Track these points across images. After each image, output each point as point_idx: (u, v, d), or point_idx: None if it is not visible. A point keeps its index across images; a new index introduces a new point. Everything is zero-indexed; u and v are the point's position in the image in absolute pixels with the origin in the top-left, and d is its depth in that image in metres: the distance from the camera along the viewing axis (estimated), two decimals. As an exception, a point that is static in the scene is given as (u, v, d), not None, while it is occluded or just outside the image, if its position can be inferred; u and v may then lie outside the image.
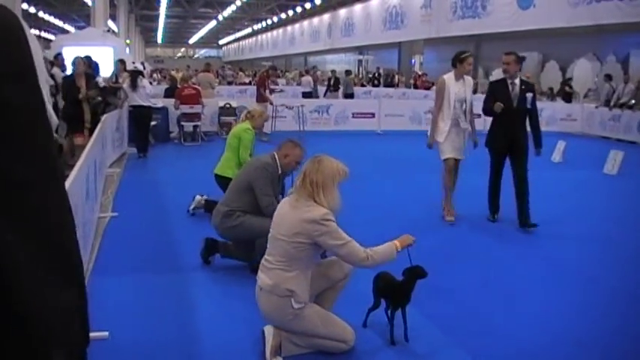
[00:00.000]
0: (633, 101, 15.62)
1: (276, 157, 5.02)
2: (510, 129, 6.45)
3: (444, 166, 6.80)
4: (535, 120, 6.65)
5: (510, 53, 6.61)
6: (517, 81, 6.51)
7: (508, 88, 6.47)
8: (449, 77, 6.71)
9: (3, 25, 1.07)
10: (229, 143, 6.65)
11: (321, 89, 22.27)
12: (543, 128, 7.15)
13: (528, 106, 6.47)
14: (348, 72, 24.10)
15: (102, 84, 8.64)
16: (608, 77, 17.66)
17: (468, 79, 6.83)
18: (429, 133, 6.90)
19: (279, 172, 5.01)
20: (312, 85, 21.37)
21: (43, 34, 48.10)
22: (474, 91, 7.40)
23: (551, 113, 17.27)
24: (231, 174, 5.78)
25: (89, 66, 9.48)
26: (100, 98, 8.47)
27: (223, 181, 5.91)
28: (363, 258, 3.47)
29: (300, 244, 3.46)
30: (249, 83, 27.57)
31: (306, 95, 20.28)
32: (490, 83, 7.24)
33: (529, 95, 6.47)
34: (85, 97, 7.98)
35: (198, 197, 6.84)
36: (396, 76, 30.45)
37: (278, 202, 4.94)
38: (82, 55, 10.08)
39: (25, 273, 1.09)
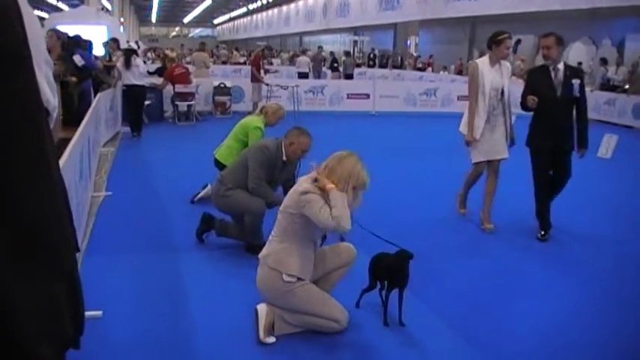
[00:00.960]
0: (627, 85, 15.61)
1: (282, 145, 4.89)
2: (554, 123, 5.50)
3: (473, 169, 6.05)
4: (583, 112, 5.62)
5: (549, 35, 5.53)
6: (560, 66, 5.50)
7: (550, 76, 5.48)
8: (482, 62, 5.80)
9: None
10: (235, 133, 6.39)
11: (327, 71, 22.20)
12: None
13: (575, 94, 5.49)
14: (347, 53, 24.16)
15: (81, 62, 7.70)
16: (604, 61, 17.63)
17: (505, 64, 5.88)
18: (461, 128, 5.93)
19: (284, 158, 4.88)
20: (310, 65, 21.18)
21: (36, 12, 47.48)
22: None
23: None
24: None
25: (77, 44, 9.08)
26: (74, 79, 7.44)
27: (224, 169, 5.81)
28: (327, 217, 3.40)
29: (290, 215, 3.58)
30: (244, 63, 27.42)
31: (302, 76, 20.13)
32: (529, 72, 6.18)
33: (576, 82, 5.49)
34: (57, 74, 7.10)
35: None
36: (399, 58, 30.37)
37: (273, 189, 4.98)
38: (76, 32, 10.00)
39: (5, 268, 1.06)
